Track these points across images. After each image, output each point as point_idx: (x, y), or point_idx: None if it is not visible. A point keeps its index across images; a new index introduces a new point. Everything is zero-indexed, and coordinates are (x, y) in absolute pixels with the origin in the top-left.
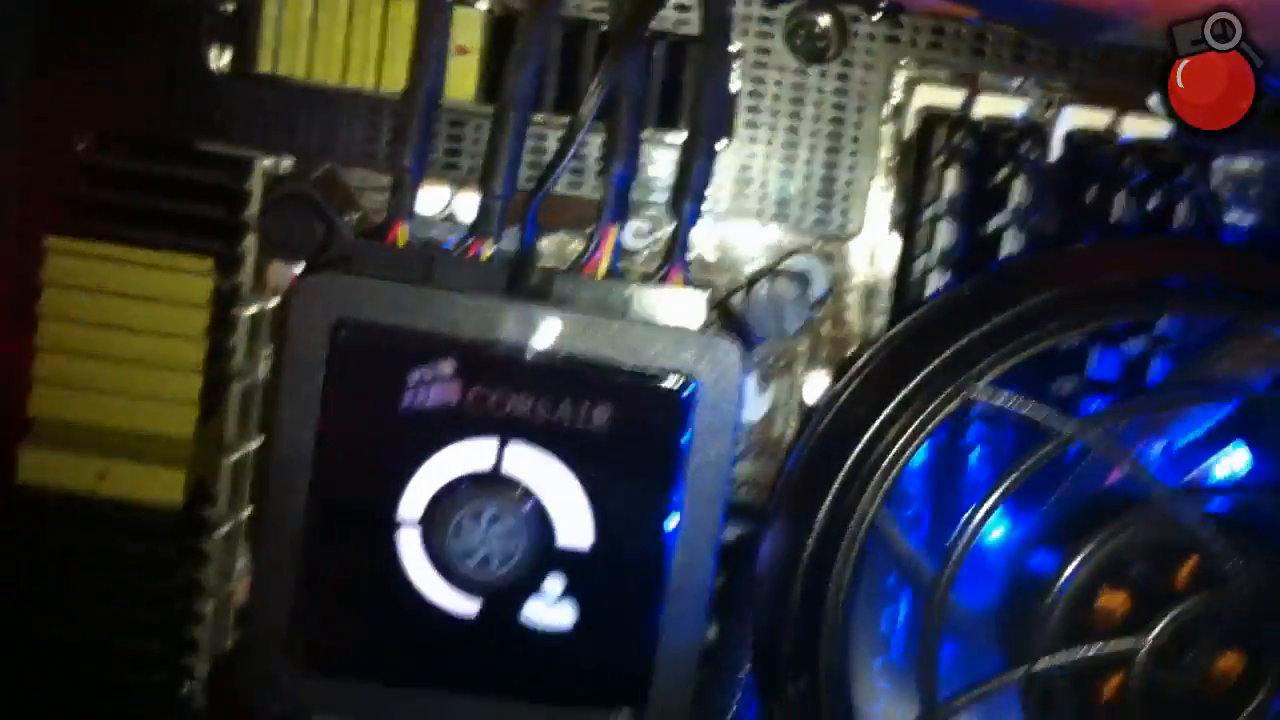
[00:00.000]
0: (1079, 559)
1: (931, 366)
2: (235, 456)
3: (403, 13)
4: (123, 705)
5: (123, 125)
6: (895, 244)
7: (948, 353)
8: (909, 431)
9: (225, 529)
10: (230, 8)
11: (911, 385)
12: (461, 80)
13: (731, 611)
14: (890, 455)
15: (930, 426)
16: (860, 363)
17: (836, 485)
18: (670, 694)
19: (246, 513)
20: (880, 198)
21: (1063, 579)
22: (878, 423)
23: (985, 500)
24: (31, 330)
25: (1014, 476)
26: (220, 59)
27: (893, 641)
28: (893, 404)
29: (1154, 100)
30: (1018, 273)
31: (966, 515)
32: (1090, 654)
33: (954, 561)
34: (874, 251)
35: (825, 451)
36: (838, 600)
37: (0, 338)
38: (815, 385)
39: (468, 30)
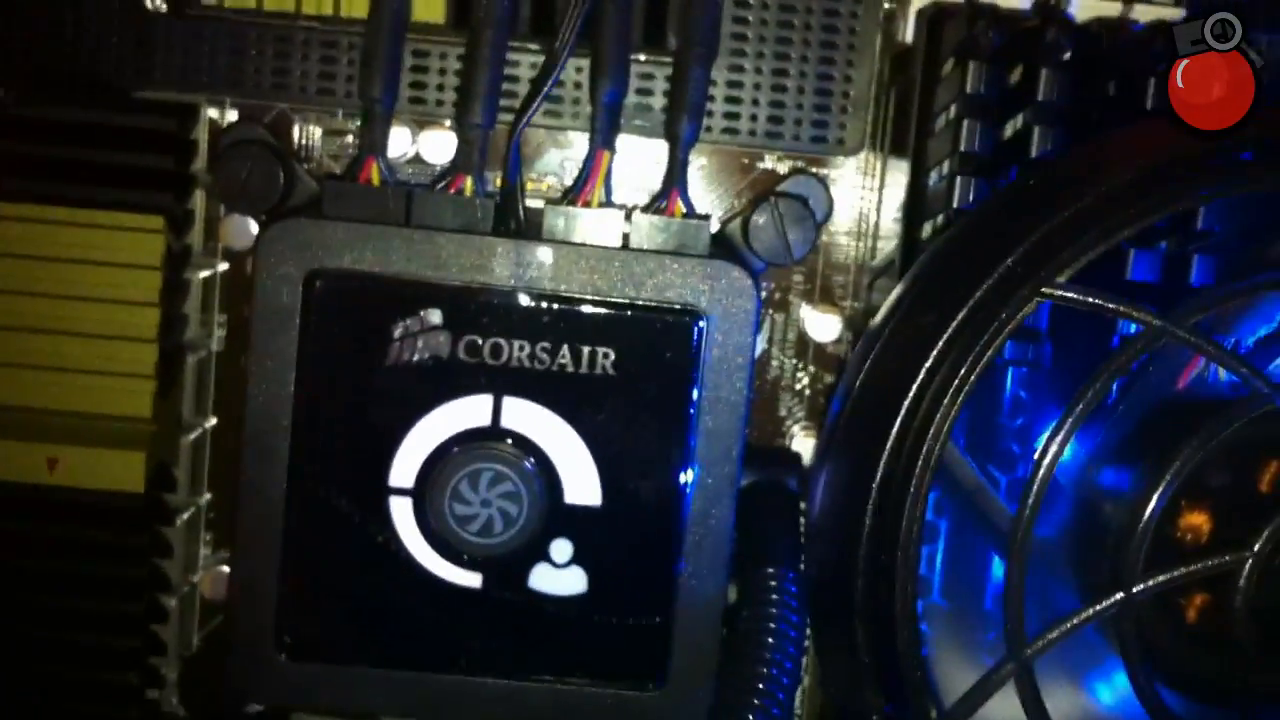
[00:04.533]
0: (1171, 473)
1: (1006, 264)
2: (193, 436)
3: None
4: (88, 707)
5: (50, 73)
6: (893, 159)
7: (1022, 248)
8: (985, 338)
9: (186, 515)
10: None
11: (985, 287)
12: (429, 1)
13: (749, 567)
14: (964, 370)
15: (1007, 331)
16: (910, 277)
17: (904, 409)
18: (692, 665)
19: (207, 497)
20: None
21: (1156, 497)
22: (949, 331)
23: (1065, 420)
24: None
25: (1098, 384)
26: None
27: (934, 583)
28: (965, 309)
29: None
30: (1084, 158)
31: (1042, 443)
32: (1192, 572)
33: (1035, 496)
34: (869, 167)
35: (886, 372)
36: (910, 538)
37: None
38: (814, 318)
39: None
